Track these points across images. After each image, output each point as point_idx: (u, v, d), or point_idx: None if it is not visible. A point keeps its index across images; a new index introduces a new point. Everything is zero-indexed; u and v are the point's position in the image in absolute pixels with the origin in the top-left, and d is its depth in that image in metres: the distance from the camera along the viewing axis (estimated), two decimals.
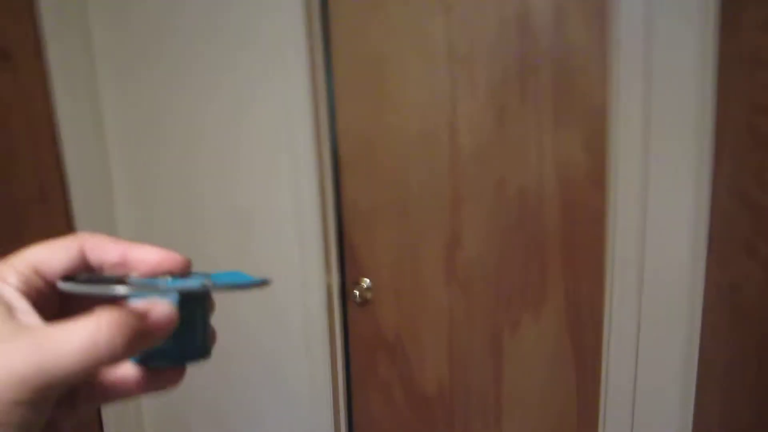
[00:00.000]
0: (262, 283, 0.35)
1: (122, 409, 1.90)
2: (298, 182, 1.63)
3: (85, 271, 0.36)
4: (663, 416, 1.41)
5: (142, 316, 0.32)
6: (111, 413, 1.85)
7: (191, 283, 0.34)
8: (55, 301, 0.35)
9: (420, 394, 1.71)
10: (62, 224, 1.68)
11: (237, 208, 1.72)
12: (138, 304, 0.32)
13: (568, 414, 1.57)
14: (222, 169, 1.71)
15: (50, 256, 0.35)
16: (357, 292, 1.70)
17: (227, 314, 1.74)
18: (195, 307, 0.35)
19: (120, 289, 0.32)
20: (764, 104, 1.20)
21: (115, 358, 0.30)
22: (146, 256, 0.36)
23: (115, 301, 0.35)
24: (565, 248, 1.50)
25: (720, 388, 1.35)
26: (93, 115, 1.75)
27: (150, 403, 1.98)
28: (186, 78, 1.69)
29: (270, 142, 1.64)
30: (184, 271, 0.36)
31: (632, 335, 1.41)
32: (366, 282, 1.71)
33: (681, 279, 1.35)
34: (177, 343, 0.34)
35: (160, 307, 0.33)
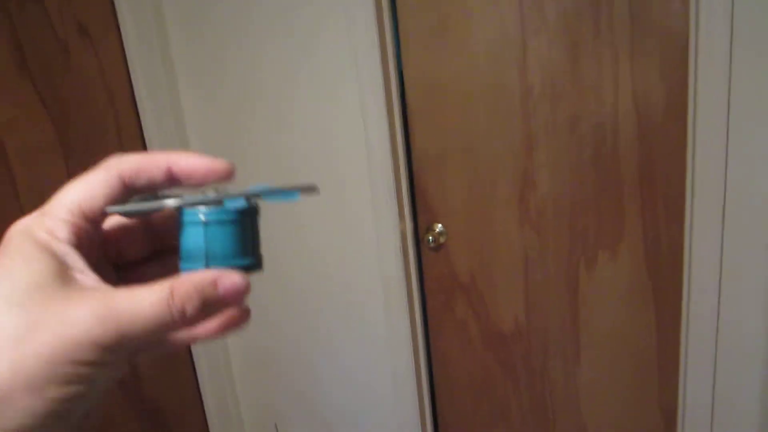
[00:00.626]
0: (309, 188, 0.35)
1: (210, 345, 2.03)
2: (367, 129, 1.64)
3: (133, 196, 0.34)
4: (747, 349, 1.41)
5: (213, 284, 0.32)
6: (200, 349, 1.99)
7: (240, 202, 0.34)
8: (97, 242, 0.34)
9: (496, 333, 1.76)
10: None
11: (306, 158, 1.76)
12: (207, 272, 0.32)
13: (647, 350, 1.59)
14: (290, 119, 1.74)
15: (91, 194, 0.32)
16: (430, 237, 1.73)
17: (310, 260, 1.81)
18: (246, 221, 0.35)
19: (171, 202, 0.32)
20: None
21: (185, 324, 0.31)
22: (193, 166, 0.34)
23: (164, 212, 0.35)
24: (643, 184, 1.48)
25: None
26: (167, 80, 1.79)
27: (236, 343, 2.10)
28: (251, 31, 1.70)
29: (337, 90, 1.65)
30: (228, 179, 0.35)
31: (714, 270, 1.39)
32: (439, 227, 1.73)
33: (766, 212, 1.31)
34: (232, 258, 0.34)
35: (231, 277, 0.32)
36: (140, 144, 1.75)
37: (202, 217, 0.33)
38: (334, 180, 1.74)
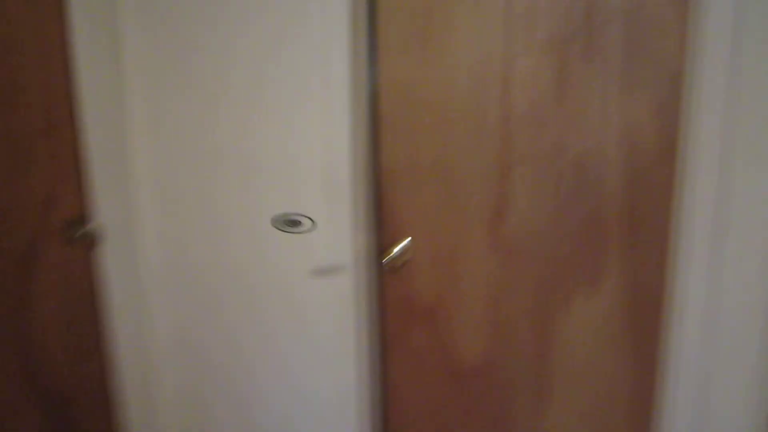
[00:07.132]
0: None
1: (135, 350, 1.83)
2: (330, 134, 1.52)
3: None
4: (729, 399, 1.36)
5: None
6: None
7: None
8: None
9: (457, 366, 1.64)
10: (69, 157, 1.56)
11: (262, 156, 1.62)
12: None
13: (620, 396, 1.52)
14: (247, 113, 1.60)
15: None
16: (392, 255, 1.58)
17: (259, 264, 1.64)
18: None
19: None
20: None
21: None
22: None
23: None
24: (626, 222, 1.40)
25: None
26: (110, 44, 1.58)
27: (164, 334, 1.90)
28: (216, 13, 1.54)
29: (304, 86, 1.52)
30: None
31: (696, 316, 1.34)
32: (403, 244, 1.59)
33: (761, 266, 1.26)
34: None
35: None
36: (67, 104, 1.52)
37: None
38: (290, 183, 1.61)
